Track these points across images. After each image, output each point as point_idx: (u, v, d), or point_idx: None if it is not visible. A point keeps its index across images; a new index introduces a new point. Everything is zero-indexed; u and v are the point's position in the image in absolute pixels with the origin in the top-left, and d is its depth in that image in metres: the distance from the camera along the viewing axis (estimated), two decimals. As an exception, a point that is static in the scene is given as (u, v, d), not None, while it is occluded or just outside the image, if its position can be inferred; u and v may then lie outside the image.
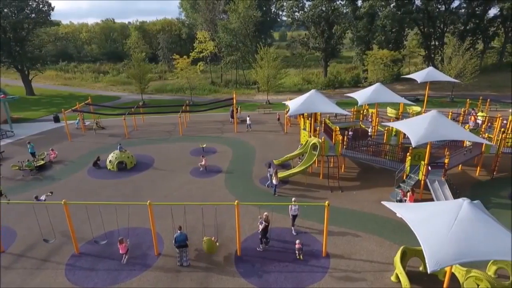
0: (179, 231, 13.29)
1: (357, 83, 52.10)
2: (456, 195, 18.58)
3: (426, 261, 9.55)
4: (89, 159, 25.12)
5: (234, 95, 36.70)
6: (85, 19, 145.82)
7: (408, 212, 11.60)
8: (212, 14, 56.66)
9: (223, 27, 49.80)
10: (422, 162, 17.96)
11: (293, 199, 15.83)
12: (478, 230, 9.80)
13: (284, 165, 23.18)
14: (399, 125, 17.83)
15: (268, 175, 20.34)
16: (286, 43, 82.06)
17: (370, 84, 46.82)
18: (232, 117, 35.11)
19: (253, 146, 27.71)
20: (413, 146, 16.10)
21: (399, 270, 12.18)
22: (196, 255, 14.38)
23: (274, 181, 19.20)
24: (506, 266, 12.39)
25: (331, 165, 22.16)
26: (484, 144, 20.51)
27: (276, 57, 43.36)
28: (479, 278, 11.36)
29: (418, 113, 30.90)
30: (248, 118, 32.33)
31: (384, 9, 43.57)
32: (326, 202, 13.52)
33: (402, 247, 12.80)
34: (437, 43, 52.78)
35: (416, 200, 17.48)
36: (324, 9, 47.36)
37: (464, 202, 10.49)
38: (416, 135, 15.91)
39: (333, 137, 21.19)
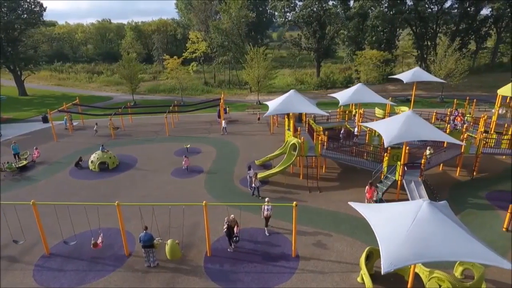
0: (144, 231, 13.24)
1: (349, 84, 52.02)
2: (433, 196, 18.65)
3: (381, 262, 9.56)
4: (73, 159, 25.06)
5: (222, 96, 36.76)
6: (85, 20, 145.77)
7: (371, 212, 11.57)
8: (204, 14, 56.64)
9: (214, 28, 49.76)
10: (398, 163, 17.94)
11: (266, 199, 15.80)
12: (434, 231, 9.78)
13: (266, 166, 23.17)
14: (375, 126, 17.79)
15: (248, 177, 20.07)
16: (278, 43, 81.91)
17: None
18: (219, 117, 35.17)
19: (238, 147, 27.69)
20: (385, 146, 16.06)
21: (363, 270, 12.16)
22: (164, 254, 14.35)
23: (254, 183, 18.82)
24: (472, 267, 12.37)
25: (313, 166, 22.18)
26: (463, 145, 20.50)
27: (266, 57, 43.27)
28: (441, 279, 11.34)
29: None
30: (224, 122, 31.22)
31: (374, 9, 43.52)
32: (294, 203, 13.50)
33: (367, 248, 12.78)
34: (429, 43, 52.72)
35: (392, 201, 17.49)
36: (315, 9, 47.33)
37: (424, 202, 10.48)
38: (389, 135, 15.88)
39: (314, 138, 21.19)
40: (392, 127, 16.35)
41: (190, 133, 31.96)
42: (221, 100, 33.21)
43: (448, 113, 31.08)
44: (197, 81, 61.50)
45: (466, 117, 28.70)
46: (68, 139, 31.40)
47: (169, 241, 13.23)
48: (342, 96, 24.19)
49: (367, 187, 17.16)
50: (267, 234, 15.70)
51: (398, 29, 52.44)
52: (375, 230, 10.81)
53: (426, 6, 49.51)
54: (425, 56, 53.51)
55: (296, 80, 60.13)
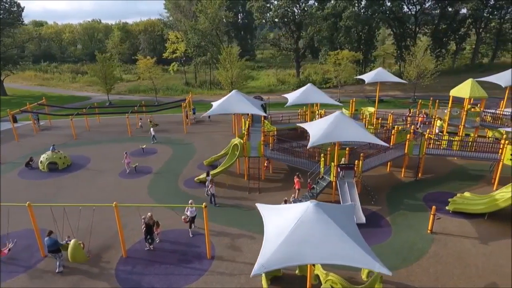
0: (47, 236, 13.01)
1: (327, 84, 51.96)
2: (369, 197, 18.56)
3: (255, 264, 9.47)
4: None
5: (190, 96, 36.72)
6: (86, 20, 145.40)
7: (270, 214, 11.46)
8: (182, 14, 56.58)
9: (191, 28, 49.67)
10: (332, 164, 17.82)
11: (190, 201, 15.68)
12: (313, 234, 9.66)
13: (214, 166, 23.04)
14: (307, 126, 17.64)
15: (207, 183, 19.20)
16: (256, 43, 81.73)
17: (336, 85, 46.98)
18: (187, 117, 35.13)
19: (195, 147, 27.62)
20: (307, 148, 15.95)
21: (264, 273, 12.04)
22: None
23: (212, 190, 18.22)
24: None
25: (264, 166, 22.14)
26: (407, 145, 20.38)
27: (239, 57, 43.20)
28: (334, 282, 11.23)
29: (371, 114, 30.90)
30: (152, 130, 29.13)
31: (347, 10, 43.37)
32: (203, 204, 13.41)
33: (272, 250, 12.63)
34: (409, 43, 52.56)
35: (328, 201, 17.36)
36: (289, 9, 47.21)
37: (310, 204, 10.35)
38: (314, 136, 15.77)
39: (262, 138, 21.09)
40: (320, 128, 16.23)
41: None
42: (187, 101, 33.10)
43: (410, 114, 31.07)
44: (178, 81, 61.56)
45: (429, 118, 28.62)
46: (30, 139, 31.34)
47: (72, 242, 13.10)
48: (291, 96, 24.08)
49: (295, 178, 18.06)
50: (191, 236, 15.61)
51: (376, 30, 52.22)
52: (265, 232, 10.74)
53: (404, 6, 49.31)
54: (404, 56, 53.37)
55: (277, 80, 60.12)
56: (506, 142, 18.21)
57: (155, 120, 34.15)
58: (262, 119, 28.00)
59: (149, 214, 14.37)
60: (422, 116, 29.40)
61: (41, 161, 23.52)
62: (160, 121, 35.62)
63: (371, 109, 32.86)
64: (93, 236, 15.07)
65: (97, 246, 14.88)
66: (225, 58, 42.04)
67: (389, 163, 22.22)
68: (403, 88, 50.32)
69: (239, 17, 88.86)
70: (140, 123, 33.21)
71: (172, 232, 15.92)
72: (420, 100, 31.93)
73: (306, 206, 10.32)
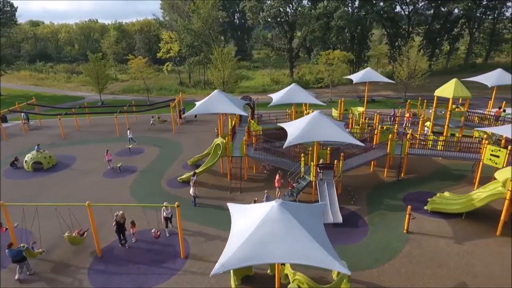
0: (7, 249, 12.67)
1: (319, 83, 51.98)
2: (349, 196, 18.57)
3: (216, 263, 9.49)
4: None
5: (180, 96, 36.72)
6: (82, 20, 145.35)
7: (238, 214, 11.46)
8: (177, 14, 56.57)
9: (183, 28, 49.68)
10: (312, 163, 17.83)
11: (164, 203, 15.64)
12: (275, 233, 9.66)
13: (198, 165, 23.03)
14: (287, 126, 17.64)
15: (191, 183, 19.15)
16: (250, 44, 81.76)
17: (328, 85, 46.97)
18: (180, 117, 35.19)
19: (182, 147, 27.63)
20: (283, 147, 15.96)
21: (233, 272, 12.07)
22: (61, 254, 14.43)
23: (191, 191, 18.27)
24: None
25: (246, 166, 22.17)
26: (389, 145, 20.38)
27: (231, 57, 43.22)
28: (301, 281, 11.25)
29: (360, 114, 30.95)
30: (129, 131, 28.24)
31: (338, 10, 43.34)
32: (176, 203, 13.43)
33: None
34: (400, 43, 52.58)
35: (308, 201, 17.38)
36: (281, 9, 47.21)
37: (275, 204, 10.34)
38: (290, 136, 15.77)
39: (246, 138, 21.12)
40: (297, 127, 16.24)
41: (143, 133, 31.86)
42: (176, 100, 33.11)
43: (399, 114, 31.10)
44: (172, 81, 61.56)
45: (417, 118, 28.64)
46: (19, 139, 31.34)
47: (65, 236, 13.54)
48: (276, 96, 24.11)
49: (277, 177, 18.17)
50: (168, 235, 15.62)
51: (369, 30, 52.21)
52: (231, 231, 10.75)
53: (396, 6, 49.30)
54: (395, 56, 53.41)
55: (271, 80, 60.11)
56: (486, 142, 18.19)
57: (162, 117, 34.66)
58: (249, 119, 28.12)
59: (120, 212, 14.41)
60: (409, 115, 29.49)
61: (25, 160, 23.54)
62: (148, 121, 35.62)
63: (361, 109, 32.88)
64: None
65: (74, 246, 14.89)
66: (216, 58, 42.01)
67: (372, 163, 22.26)
68: (395, 88, 50.23)
69: (236, 17, 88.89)
70: (152, 121, 33.48)
71: (149, 232, 15.87)
72: (409, 100, 31.87)
73: (271, 206, 10.32)
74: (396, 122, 29.03)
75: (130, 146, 26.92)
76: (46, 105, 38.96)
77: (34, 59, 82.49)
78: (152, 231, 14.90)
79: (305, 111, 30.08)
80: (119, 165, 23.09)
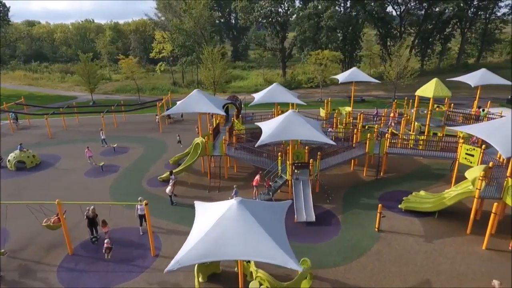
0: None
1: (310, 83, 52.07)
2: (326, 195, 18.66)
3: (172, 261, 9.59)
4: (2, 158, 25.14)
5: (169, 96, 36.81)
6: (77, 20, 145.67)
7: (201, 212, 11.55)
8: (171, 13, 56.70)
9: (175, 28, 49.79)
10: (288, 162, 17.92)
11: (139, 198, 15.76)
12: (231, 230, 9.73)
13: (180, 164, 23.13)
14: (262, 125, 17.69)
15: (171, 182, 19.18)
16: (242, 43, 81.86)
17: (317, 85, 47.05)
18: (169, 117, 35.30)
19: (167, 146, 27.75)
20: (255, 146, 16.05)
21: (195, 271, 12.16)
22: (33, 252, 14.52)
23: (167, 190, 18.33)
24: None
25: (228, 165, 22.31)
26: (367, 144, 20.46)
27: (222, 57, 43.32)
28: (262, 279, 11.35)
29: (347, 113, 31.03)
30: (101, 132, 28.16)
31: (328, 10, 43.42)
32: (144, 201, 13.51)
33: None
34: (389, 43, 52.68)
35: (285, 199, 17.42)
36: (273, 9, 47.33)
37: (234, 202, 10.43)
38: (263, 135, 15.87)
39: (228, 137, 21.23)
40: (271, 126, 16.33)
41: (129, 132, 31.99)
42: (163, 100, 33.21)
43: (384, 114, 31.15)
44: (166, 81, 61.67)
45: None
46: (8, 138, 31.40)
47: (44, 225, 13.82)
48: (257, 95, 24.22)
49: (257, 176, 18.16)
50: (141, 233, 15.71)
51: (361, 30, 52.31)
52: (192, 229, 10.84)
53: (387, 6, 49.40)
54: (384, 56, 53.53)
55: (264, 80, 60.25)
56: (461, 141, 18.28)
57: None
58: (234, 118, 28.22)
59: (91, 207, 14.56)
60: (393, 114, 29.59)
61: (9, 160, 23.64)
62: (137, 121, 35.75)
63: (348, 109, 32.98)
64: (44, 234, 15.22)
65: (47, 244, 15.01)
66: (206, 58, 42.12)
67: (353, 162, 22.37)
68: (386, 88, 50.29)
69: (232, 17, 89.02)
70: (156, 119, 33.58)
71: (122, 230, 16.05)
72: (396, 100, 31.97)
73: (231, 204, 10.42)
74: (382, 121, 29.13)
75: (115, 146, 27.02)
76: (35, 105, 39.06)
77: (30, 59, 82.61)
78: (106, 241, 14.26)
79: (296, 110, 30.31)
80: (101, 164, 23.20)
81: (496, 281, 10.75)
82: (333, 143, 16.17)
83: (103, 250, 13.80)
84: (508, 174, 14.21)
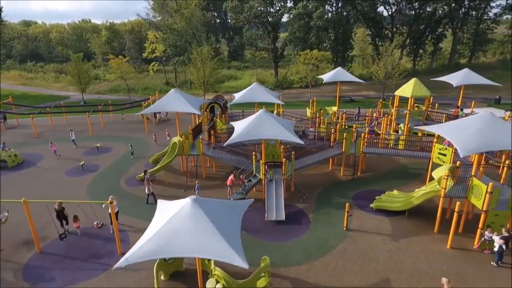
0: None
1: (301, 83, 52.22)
2: (299, 195, 18.74)
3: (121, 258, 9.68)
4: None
5: (157, 95, 36.88)
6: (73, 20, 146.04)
7: (160, 210, 11.62)
8: (167, 14, 56.87)
9: (166, 28, 49.92)
10: (261, 162, 18.00)
11: (110, 196, 15.84)
12: (180, 228, 9.80)
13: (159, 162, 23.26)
14: (236, 124, 17.75)
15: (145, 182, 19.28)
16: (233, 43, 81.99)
17: (307, 85, 47.14)
18: (155, 116, 35.43)
19: (150, 146, 27.86)
20: (223, 146, 16.14)
21: (154, 270, 12.24)
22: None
23: (146, 190, 18.39)
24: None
25: (208, 164, 22.43)
26: (344, 144, 20.51)
27: (211, 57, 43.47)
28: (219, 276, 11.43)
29: (333, 113, 31.13)
30: (72, 133, 28.25)
31: (317, 10, 43.46)
32: (109, 199, 13.61)
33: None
34: (378, 43, 52.67)
35: (259, 198, 17.54)
36: (262, 9, 47.42)
37: (189, 200, 10.50)
38: (234, 134, 15.95)
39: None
40: (243, 126, 16.41)
41: (115, 132, 32.13)
42: (150, 100, 33.33)
43: (369, 113, 31.22)
44: (159, 81, 61.84)
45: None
46: (-6, 137, 31.60)
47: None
48: (238, 95, 24.34)
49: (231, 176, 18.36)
50: (111, 232, 15.79)
51: (353, 30, 52.36)
52: (148, 228, 10.92)
53: (378, 6, 49.44)
54: (374, 56, 53.55)
55: (257, 80, 60.38)
56: (435, 140, 18.33)
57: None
58: (217, 117, 28.31)
59: (58, 201, 14.84)
60: (376, 114, 29.71)
61: (-10, 159, 23.79)
62: (124, 121, 35.86)
63: (335, 108, 33.07)
64: (13, 233, 15.36)
65: (15, 242, 15.12)
66: (196, 58, 42.24)
67: (331, 161, 22.44)
68: (377, 88, 50.37)
69: (228, 17, 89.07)
70: (158, 117, 34.33)
71: (94, 228, 16.12)
72: (381, 100, 32.04)
73: (185, 202, 10.51)
74: (367, 121, 29.20)
75: (98, 145, 27.14)
76: (23, 105, 39.21)
77: (26, 59, 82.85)
78: (95, 223, 15.17)
79: (275, 111, 30.36)
80: (81, 164, 23.32)
81: (444, 278, 10.81)
82: (302, 142, 16.21)
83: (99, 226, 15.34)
84: (472, 173, 14.26)
